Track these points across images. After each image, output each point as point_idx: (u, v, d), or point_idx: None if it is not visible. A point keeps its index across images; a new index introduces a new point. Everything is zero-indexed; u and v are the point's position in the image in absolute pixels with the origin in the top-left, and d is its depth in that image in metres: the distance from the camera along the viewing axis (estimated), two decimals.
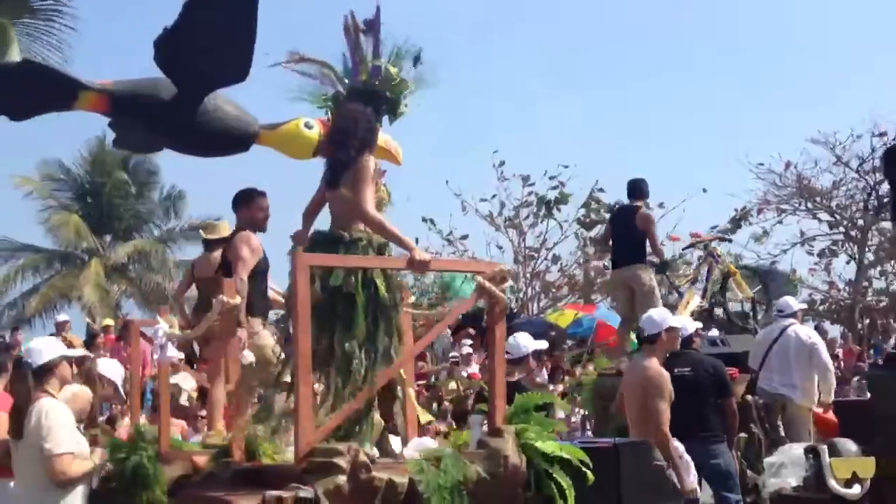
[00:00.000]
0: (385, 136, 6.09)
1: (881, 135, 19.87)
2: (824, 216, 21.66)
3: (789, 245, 21.50)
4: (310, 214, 4.84)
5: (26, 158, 30.76)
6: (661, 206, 17.91)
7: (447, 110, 32.13)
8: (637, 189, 8.82)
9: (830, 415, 8.15)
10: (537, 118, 34.29)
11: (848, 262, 21.77)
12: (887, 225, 20.15)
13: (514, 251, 20.26)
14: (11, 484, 4.84)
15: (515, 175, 19.67)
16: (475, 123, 34.67)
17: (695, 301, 9.47)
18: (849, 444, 6.42)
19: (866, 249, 21.41)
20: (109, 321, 14.25)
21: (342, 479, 3.99)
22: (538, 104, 36.05)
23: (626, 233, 8.57)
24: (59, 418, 4.47)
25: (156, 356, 6.34)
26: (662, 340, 6.27)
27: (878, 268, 21.81)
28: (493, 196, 20.01)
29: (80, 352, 5.25)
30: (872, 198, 20.73)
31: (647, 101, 34.74)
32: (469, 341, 13.03)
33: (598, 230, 17.90)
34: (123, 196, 24.40)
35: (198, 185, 37.21)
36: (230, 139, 5.97)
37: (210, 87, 5.65)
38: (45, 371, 4.59)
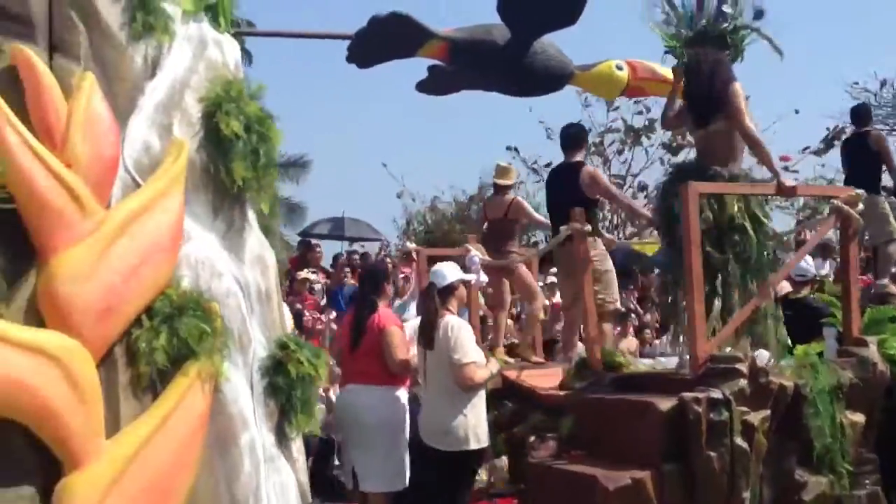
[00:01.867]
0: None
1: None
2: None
3: None
4: None
5: None
6: None
7: None
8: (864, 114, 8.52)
9: None
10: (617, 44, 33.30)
11: None
12: None
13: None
14: (402, 391, 5.63)
15: (599, 100, 18.71)
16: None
17: None
18: None
19: None
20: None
21: (744, 382, 4.52)
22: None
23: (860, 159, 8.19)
24: (464, 332, 5.16)
25: (473, 279, 7.02)
26: None
27: None
28: (578, 122, 19.43)
29: (472, 276, 5.89)
30: None
31: None
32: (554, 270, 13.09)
33: (687, 154, 17.12)
34: None
35: None
36: (551, 79, 6.48)
37: (542, 32, 6.14)
38: (448, 291, 5.28)
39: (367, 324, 5.61)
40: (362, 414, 5.44)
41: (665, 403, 4.49)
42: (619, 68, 6.55)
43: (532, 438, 5.13)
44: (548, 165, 18.95)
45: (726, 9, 5.24)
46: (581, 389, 5.17)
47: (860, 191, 5.28)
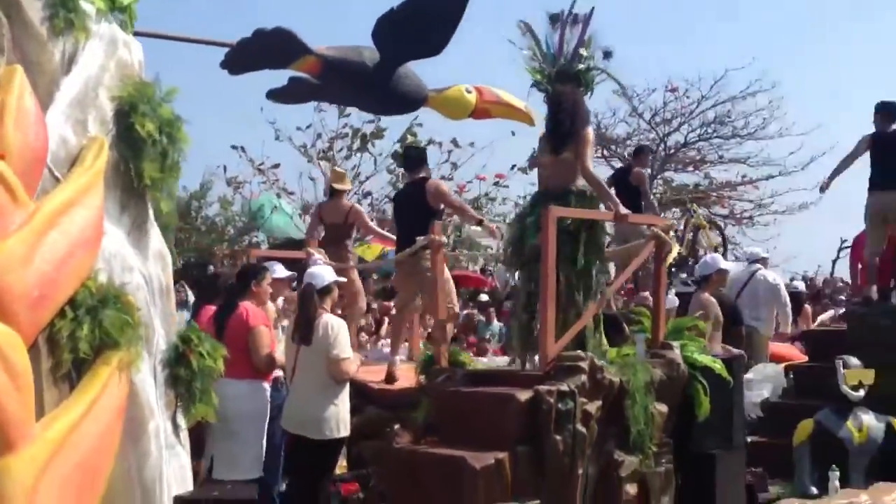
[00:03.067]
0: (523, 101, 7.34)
1: (673, 90, 21.34)
2: (617, 164, 21.78)
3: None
4: None
5: None
6: (470, 144, 18.76)
7: None
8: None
9: (778, 346, 10.07)
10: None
11: None
12: (670, 174, 22.29)
13: (326, 183, 19.50)
14: (265, 385, 5.98)
15: (331, 106, 18.02)
16: None
17: (675, 249, 11.19)
18: (854, 360, 8.02)
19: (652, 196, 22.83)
20: None
21: (584, 377, 5.34)
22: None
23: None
24: (343, 330, 5.62)
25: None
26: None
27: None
28: (309, 126, 19.25)
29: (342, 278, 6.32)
30: (661, 149, 21.86)
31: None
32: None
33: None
34: None
35: None
36: (410, 100, 7.06)
37: (409, 59, 6.70)
38: (325, 292, 5.71)
39: (232, 321, 5.91)
40: (225, 405, 5.73)
41: (523, 395, 5.23)
42: (469, 91, 7.25)
43: (396, 426, 5.66)
44: (276, 166, 19.15)
45: (582, 51, 6.07)
46: (439, 383, 5.79)
47: (672, 221, 6.30)
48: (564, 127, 5.82)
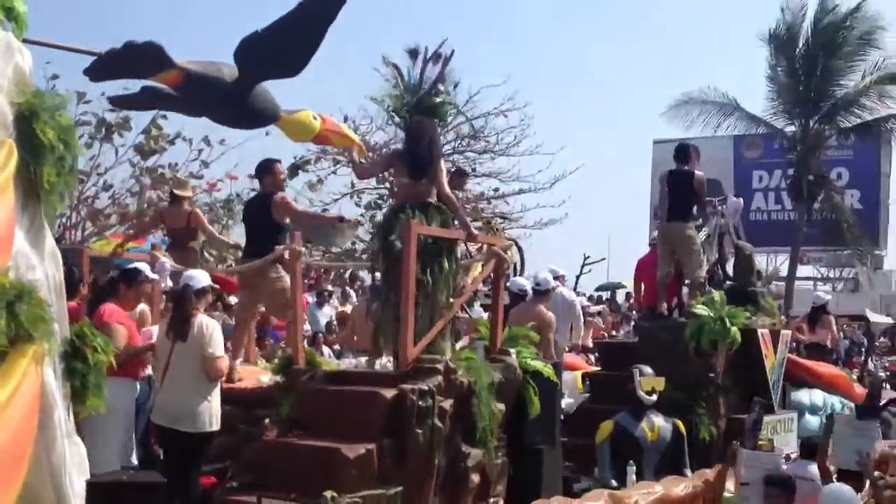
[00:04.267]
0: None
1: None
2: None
3: (340, 195, 22.60)
4: None
5: None
6: (221, 142, 18.12)
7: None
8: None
9: (569, 357, 11.23)
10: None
11: None
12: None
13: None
14: (129, 382, 6.21)
15: (69, 90, 16.25)
16: None
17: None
18: (647, 369, 9.15)
19: None
20: None
21: (440, 378, 6.01)
22: None
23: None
24: (217, 330, 5.98)
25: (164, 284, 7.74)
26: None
27: None
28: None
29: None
30: None
31: None
32: None
33: (156, 159, 18.08)
34: None
35: None
36: (262, 117, 7.45)
37: (267, 78, 7.13)
38: (202, 294, 6.05)
39: (93, 319, 6.10)
40: None
41: (388, 392, 5.83)
42: (315, 118, 7.75)
43: (266, 420, 6.07)
44: None
45: (440, 86, 6.77)
46: (303, 382, 6.27)
47: (510, 241, 7.14)
48: (424, 159, 6.53)
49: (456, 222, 6.68)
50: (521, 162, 22.95)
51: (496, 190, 23.18)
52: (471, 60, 40.84)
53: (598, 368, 11.19)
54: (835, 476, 7.12)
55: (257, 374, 7.50)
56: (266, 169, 7.94)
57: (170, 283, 7.67)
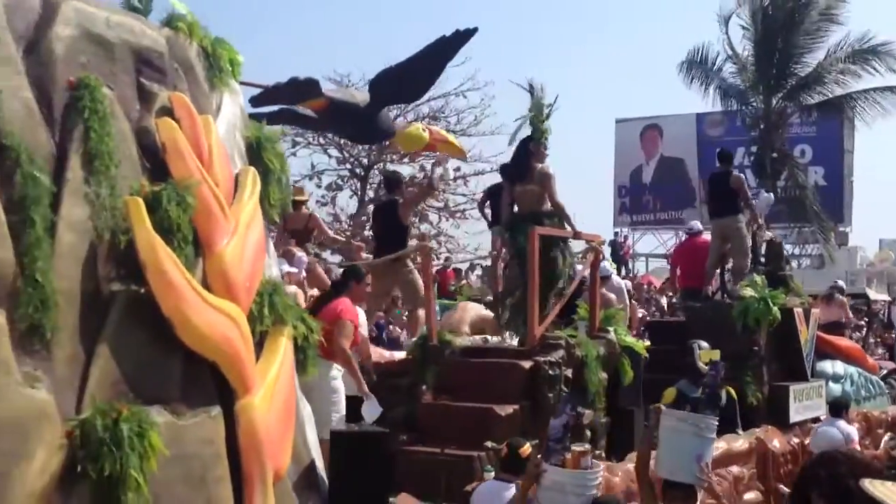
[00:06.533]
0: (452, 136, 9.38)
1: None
2: (334, 152, 22.92)
3: (300, 176, 22.51)
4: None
5: None
6: None
7: None
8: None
9: None
10: None
11: (351, 197, 23.78)
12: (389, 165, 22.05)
13: None
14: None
15: None
16: None
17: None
18: (704, 343, 10.43)
19: (367, 186, 23.12)
20: None
21: (563, 351, 7.38)
22: None
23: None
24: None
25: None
26: None
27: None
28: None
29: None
30: None
31: None
32: None
33: None
34: None
35: None
36: (382, 134, 8.85)
37: (393, 103, 8.52)
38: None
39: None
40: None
41: (525, 363, 7.23)
42: (423, 130, 9.19)
43: (423, 387, 7.41)
44: None
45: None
46: (446, 356, 7.61)
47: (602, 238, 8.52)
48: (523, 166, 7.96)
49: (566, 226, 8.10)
50: (481, 142, 23.66)
51: (457, 170, 22.05)
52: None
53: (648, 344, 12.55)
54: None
55: (379, 351, 8.83)
56: (396, 181, 9.44)
57: (304, 275, 9.03)
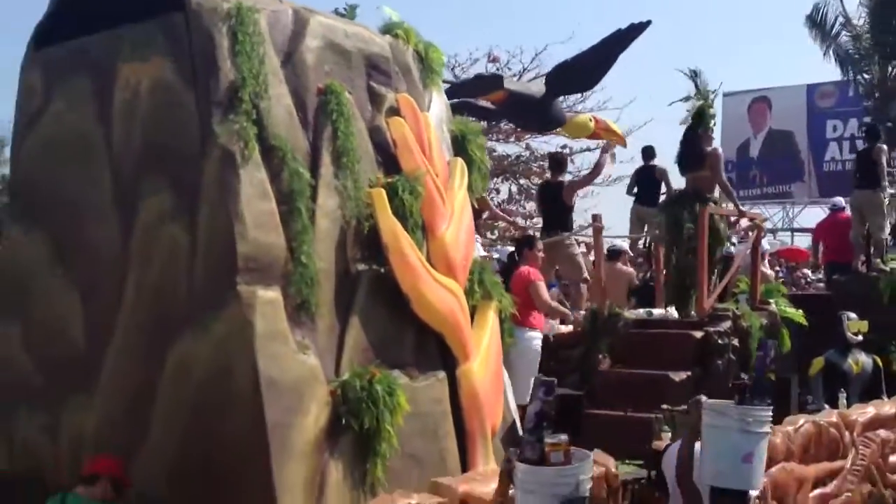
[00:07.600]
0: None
1: (494, 60, 20.57)
2: None
3: None
4: None
5: None
6: None
7: None
8: None
9: None
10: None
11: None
12: (493, 144, 20.68)
13: None
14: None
15: None
16: None
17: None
18: (853, 315, 10.61)
19: None
20: None
21: (730, 322, 7.92)
22: None
23: None
24: None
25: None
26: None
27: None
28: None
29: None
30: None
31: None
32: None
33: None
34: None
35: None
36: (555, 122, 9.45)
37: (567, 93, 9.13)
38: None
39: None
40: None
41: (697, 333, 7.81)
42: (591, 119, 9.80)
43: (601, 356, 8.06)
44: None
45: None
46: (620, 327, 8.23)
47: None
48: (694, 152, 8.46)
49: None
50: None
51: (564, 147, 21.09)
52: (537, 15, 40.82)
53: None
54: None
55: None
56: (562, 161, 9.78)
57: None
